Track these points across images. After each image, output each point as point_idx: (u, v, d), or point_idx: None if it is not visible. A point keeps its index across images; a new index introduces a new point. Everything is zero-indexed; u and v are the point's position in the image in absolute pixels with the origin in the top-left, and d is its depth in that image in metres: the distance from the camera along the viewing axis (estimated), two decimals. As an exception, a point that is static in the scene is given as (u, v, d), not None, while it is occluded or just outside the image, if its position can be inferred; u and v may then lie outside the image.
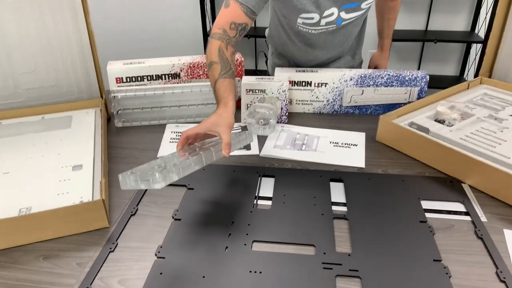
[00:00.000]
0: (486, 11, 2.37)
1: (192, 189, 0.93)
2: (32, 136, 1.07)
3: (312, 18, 1.17)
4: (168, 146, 1.11)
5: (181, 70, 1.28)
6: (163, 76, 1.28)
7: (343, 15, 1.19)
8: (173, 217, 0.85)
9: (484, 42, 2.39)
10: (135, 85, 1.26)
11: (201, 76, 1.29)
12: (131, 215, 0.86)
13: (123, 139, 1.17)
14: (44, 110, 1.19)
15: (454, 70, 2.78)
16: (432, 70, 2.77)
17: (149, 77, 1.27)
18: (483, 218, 0.84)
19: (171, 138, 1.15)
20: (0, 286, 0.71)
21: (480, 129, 1.09)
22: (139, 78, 1.26)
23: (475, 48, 2.60)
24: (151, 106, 1.22)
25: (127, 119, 1.23)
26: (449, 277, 0.70)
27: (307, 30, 1.22)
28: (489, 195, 0.90)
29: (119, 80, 1.25)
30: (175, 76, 1.28)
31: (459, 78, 2.72)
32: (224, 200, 0.90)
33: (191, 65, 1.27)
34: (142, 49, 2.92)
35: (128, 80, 1.25)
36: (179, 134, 1.17)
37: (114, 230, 0.82)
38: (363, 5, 1.19)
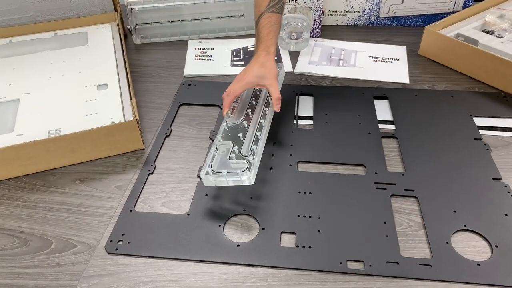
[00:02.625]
0: None
1: (227, 108, 0.87)
2: (47, 54, 0.99)
3: None
4: (193, 64, 1.03)
5: (211, -21, 1.15)
6: (181, -14, 1.15)
7: None
8: (210, 138, 0.80)
9: None
10: (152, -4, 1.14)
11: (224, -15, 1.16)
12: (166, 136, 0.81)
13: (143, 57, 1.08)
14: (56, 25, 1.09)
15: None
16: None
17: (166, -13, 1.14)
18: (542, 135, 0.79)
19: (195, 55, 1.06)
20: (40, 210, 0.68)
21: (535, 39, 0.99)
22: (155, -12, 1.14)
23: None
24: (171, 20, 1.12)
25: (146, 34, 1.13)
26: (511, 195, 0.66)
27: None
28: (547, 110, 0.84)
29: (134, -9, 1.13)
30: (195, -15, 1.15)
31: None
32: (262, 119, 0.84)
33: (212, -27, 1.14)
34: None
35: (144, -9, 1.13)
36: (204, 50, 1.08)
37: (150, 152, 0.78)
38: None
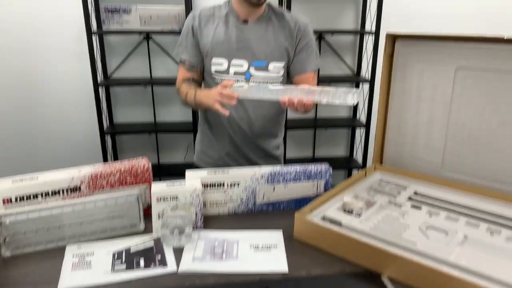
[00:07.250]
0: (363, 99, 2.71)
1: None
2: None
3: (221, 64, 1.45)
4: (70, 276, 0.96)
5: (81, 183, 1.17)
6: (60, 191, 1.15)
7: (252, 71, 1.45)
8: None
9: (366, 125, 2.69)
10: (27, 205, 1.11)
11: (105, 187, 1.20)
12: None
13: (12, 273, 0.98)
14: None
15: (344, 151, 3.05)
16: (325, 152, 3.01)
17: (44, 194, 1.13)
18: (408, 312, 0.86)
19: (73, 264, 1.01)
20: None
21: (385, 216, 1.16)
22: (31, 196, 1.12)
23: (359, 131, 2.91)
24: (47, 227, 1.08)
25: (17, 245, 1.06)
26: None
27: (219, 79, 1.47)
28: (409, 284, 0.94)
29: (7, 201, 1.09)
30: (75, 189, 1.17)
31: (349, 159, 2.98)
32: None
33: (93, 176, 1.18)
34: (35, 163, 2.70)
35: (19, 200, 1.10)
36: (82, 257, 1.04)
37: None
38: (271, 67, 1.45)
